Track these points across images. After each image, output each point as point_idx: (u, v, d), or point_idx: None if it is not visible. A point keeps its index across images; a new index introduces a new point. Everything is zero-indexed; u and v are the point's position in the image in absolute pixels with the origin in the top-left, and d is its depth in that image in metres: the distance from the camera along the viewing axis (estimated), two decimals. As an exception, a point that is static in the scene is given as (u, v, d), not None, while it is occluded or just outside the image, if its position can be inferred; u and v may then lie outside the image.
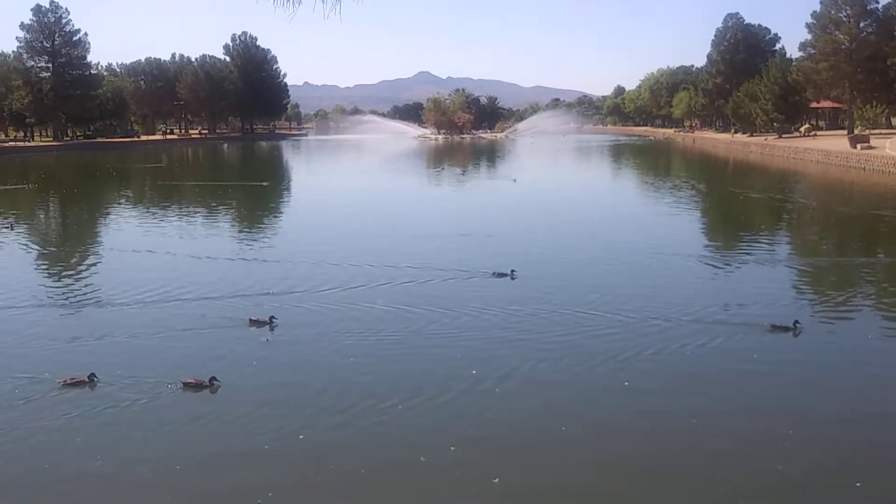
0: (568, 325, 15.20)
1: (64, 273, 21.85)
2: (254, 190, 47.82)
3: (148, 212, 37.28)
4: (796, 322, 14.53)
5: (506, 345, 14.05)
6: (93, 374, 12.14)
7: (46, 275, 22.19)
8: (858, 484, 8.90)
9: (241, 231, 31.39)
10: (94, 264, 23.16)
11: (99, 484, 9.29)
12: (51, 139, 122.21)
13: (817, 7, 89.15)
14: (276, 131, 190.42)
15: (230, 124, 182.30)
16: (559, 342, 14.15)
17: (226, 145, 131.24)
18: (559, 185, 51.62)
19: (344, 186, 53.09)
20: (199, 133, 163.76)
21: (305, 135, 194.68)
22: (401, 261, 21.25)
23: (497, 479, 9.09)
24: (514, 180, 49.68)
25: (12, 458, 9.87)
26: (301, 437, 10.29)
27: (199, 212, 37.36)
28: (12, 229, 30.18)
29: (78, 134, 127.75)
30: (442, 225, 30.76)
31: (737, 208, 37.13)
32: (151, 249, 24.60)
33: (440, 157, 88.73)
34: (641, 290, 18.27)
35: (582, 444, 10.17)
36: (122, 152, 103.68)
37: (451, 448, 9.94)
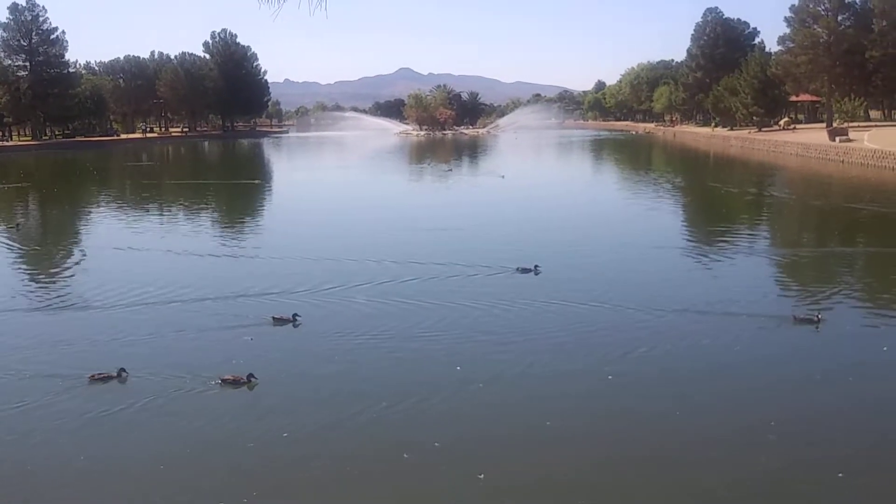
0: (563, 319, 15.23)
1: (78, 272, 21.51)
2: (247, 187, 47.70)
3: (146, 211, 36.91)
4: (818, 314, 14.61)
5: (495, 340, 14.02)
6: (122, 369, 12.20)
7: (59, 274, 21.69)
8: (841, 475, 8.95)
9: (244, 229, 31.01)
10: (108, 264, 22.46)
11: (113, 478, 9.32)
12: (29, 138, 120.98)
13: (796, 1, 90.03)
14: (257, 129, 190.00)
15: (210, 122, 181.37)
16: (555, 336, 14.20)
17: (206, 143, 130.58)
18: (546, 181, 51.69)
19: (335, 183, 52.89)
20: (181, 131, 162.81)
21: (286, 132, 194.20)
22: (409, 257, 21.25)
23: (482, 476, 9.07)
24: (503, 176, 49.66)
25: (41, 452, 9.92)
26: (285, 434, 10.22)
27: (196, 210, 37.10)
28: (19, 229, 29.79)
29: (57, 133, 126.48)
30: (437, 220, 30.50)
31: (720, 202, 37.43)
32: (155, 249, 24.37)
33: (424, 154, 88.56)
34: (630, 283, 18.42)
35: (567, 438, 10.15)
36: (102, 151, 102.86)
37: (436, 444, 9.91)
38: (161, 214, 35.50)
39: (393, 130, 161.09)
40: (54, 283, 20.31)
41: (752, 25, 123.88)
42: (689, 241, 26.12)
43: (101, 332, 14.88)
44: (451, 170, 61.32)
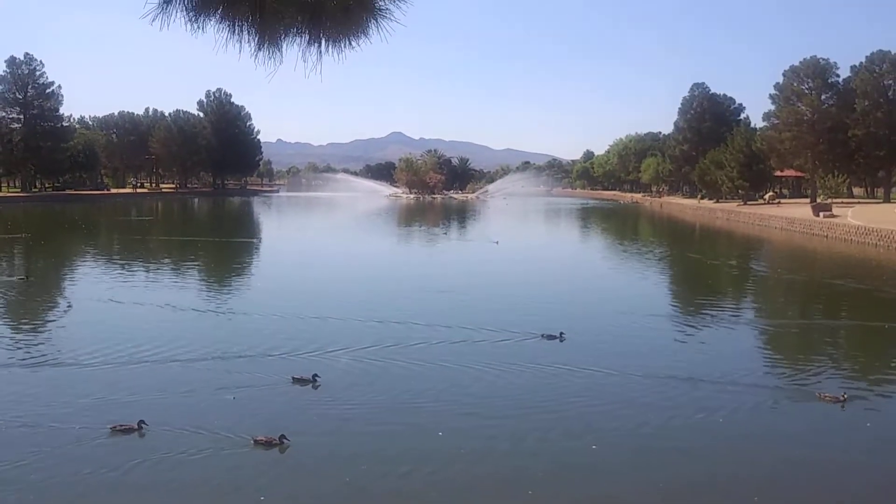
0: (569, 388, 15.36)
1: (94, 326, 21.20)
2: (245, 246, 47.75)
3: (151, 267, 36.92)
4: (844, 394, 14.54)
5: (497, 408, 14.07)
6: (142, 421, 12.37)
7: (75, 327, 21.37)
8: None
9: (254, 287, 30.68)
10: (122, 319, 22.28)
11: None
12: (18, 190, 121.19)
13: (780, 79, 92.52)
14: (248, 187, 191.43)
15: (201, 179, 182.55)
16: (564, 405, 14.29)
17: (196, 200, 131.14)
18: (539, 248, 51.80)
19: (335, 243, 52.89)
20: (173, 188, 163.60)
21: (277, 191, 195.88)
22: (430, 319, 21.61)
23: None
24: (496, 242, 49.68)
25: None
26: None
27: (201, 267, 37.43)
28: (27, 280, 29.69)
29: (47, 185, 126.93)
30: (442, 283, 30.74)
31: (710, 273, 37.76)
32: (167, 305, 24.30)
33: (416, 216, 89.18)
34: (631, 351, 18.57)
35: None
36: (92, 205, 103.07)
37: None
38: (166, 270, 35.62)
39: (383, 193, 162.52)
40: (70, 336, 19.98)
41: (737, 101, 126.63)
42: (689, 310, 26.23)
43: (121, 387, 14.93)
44: (446, 233, 62.07)
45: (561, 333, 19.36)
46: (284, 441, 11.82)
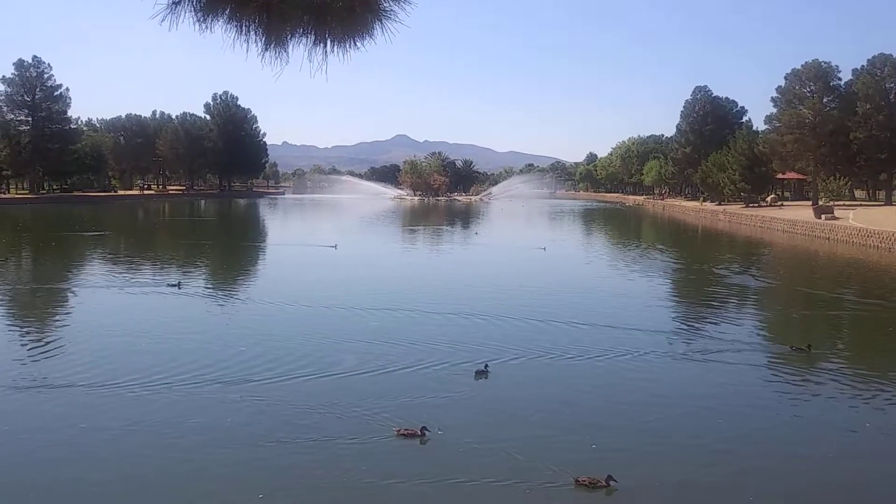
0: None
1: (318, 335, 20.74)
2: (330, 251, 44.56)
3: (280, 271, 37.26)
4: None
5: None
6: (424, 427, 12.69)
7: (302, 337, 20.32)
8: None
9: (396, 291, 28.92)
10: (327, 328, 21.55)
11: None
12: (26, 191, 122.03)
13: (782, 82, 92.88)
14: (254, 189, 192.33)
15: (208, 181, 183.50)
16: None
17: (203, 202, 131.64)
18: (585, 254, 49.53)
19: (406, 248, 51.90)
20: (180, 189, 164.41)
21: (283, 193, 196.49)
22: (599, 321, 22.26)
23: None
24: (544, 248, 47.26)
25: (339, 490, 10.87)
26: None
27: (330, 271, 36.33)
28: (179, 288, 28.28)
29: (54, 187, 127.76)
30: (552, 286, 30.95)
31: (713, 282, 37.56)
32: (342, 306, 24.46)
33: (433, 219, 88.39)
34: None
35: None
36: (100, 206, 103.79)
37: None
38: (305, 274, 35.30)
39: (388, 195, 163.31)
40: (313, 346, 19.19)
41: (739, 104, 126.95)
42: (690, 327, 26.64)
43: (403, 391, 15.32)
44: (477, 233, 64.28)
45: (808, 346, 18.95)
46: (611, 483, 10.74)
